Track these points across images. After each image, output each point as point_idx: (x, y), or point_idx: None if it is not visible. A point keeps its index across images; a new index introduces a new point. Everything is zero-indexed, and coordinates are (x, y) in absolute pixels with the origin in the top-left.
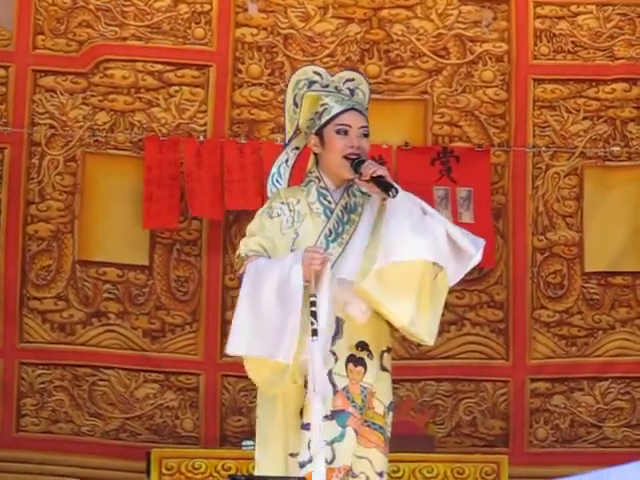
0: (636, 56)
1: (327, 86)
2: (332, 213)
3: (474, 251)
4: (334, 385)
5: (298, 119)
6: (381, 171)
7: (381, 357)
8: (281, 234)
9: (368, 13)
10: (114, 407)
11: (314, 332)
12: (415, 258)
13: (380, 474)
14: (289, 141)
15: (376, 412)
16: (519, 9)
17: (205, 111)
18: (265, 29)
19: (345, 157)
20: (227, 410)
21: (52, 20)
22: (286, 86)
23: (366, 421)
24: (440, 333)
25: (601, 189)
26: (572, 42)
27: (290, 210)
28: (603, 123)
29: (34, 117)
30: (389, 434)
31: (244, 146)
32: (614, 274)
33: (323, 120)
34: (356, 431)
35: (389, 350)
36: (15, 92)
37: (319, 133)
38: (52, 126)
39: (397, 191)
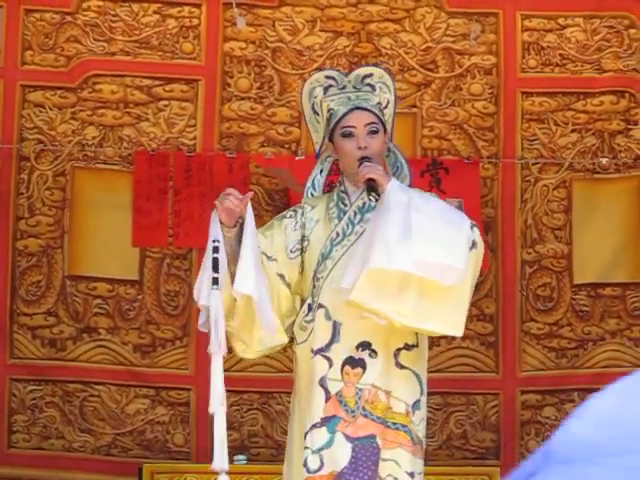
0: (623, 68)
1: (344, 87)
2: (345, 215)
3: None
4: (327, 391)
5: (323, 127)
6: (372, 174)
7: (396, 355)
8: (283, 233)
9: (356, 27)
10: (105, 423)
11: (215, 280)
12: (393, 268)
13: (411, 474)
14: (320, 151)
15: (395, 411)
16: (507, 22)
17: (194, 125)
18: (253, 43)
19: (358, 160)
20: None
21: (40, 35)
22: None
23: (385, 421)
24: (430, 346)
25: (590, 201)
26: (560, 55)
27: (302, 215)
28: (591, 136)
29: (23, 132)
30: (419, 433)
31: (233, 160)
32: (603, 285)
33: (331, 126)
34: (347, 436)
35: (409, 347)
36: (4, 107)
37: (331, 139)
38: (41, 141)
39: (377, 198)
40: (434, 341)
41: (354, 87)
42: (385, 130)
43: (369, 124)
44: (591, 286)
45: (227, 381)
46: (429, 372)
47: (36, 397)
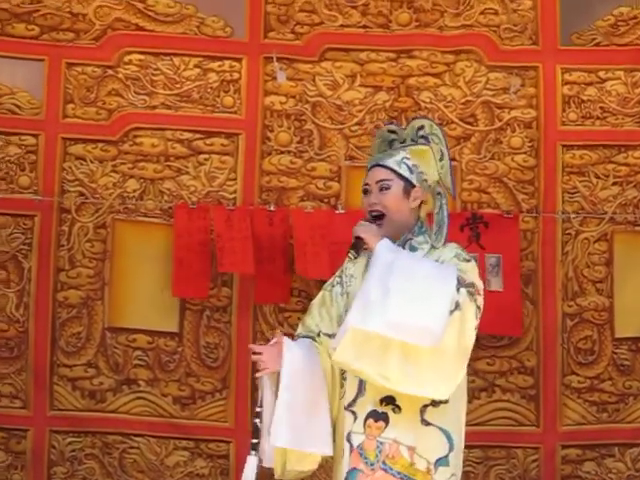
0: None
1: (404, 141)
2: None
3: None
4: (351, 445)
5: None
6: (361, 232)
7: (422, 412)
8: (336, 303)
9: (396, 81)
10: (144, 475)
11: (253, 446)
12: (368, 329)
13: None
14: None
15: (417, 468)
16: (547, 76)
17: (234, 179)
18: (293, 97)
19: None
20: (257, 477)
21: (82, 89)
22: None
23: (407, 477)
24: (470, 400)
25: (631, 254)
26: (600, 108)
27: (345, 275)
28: (633, 188)
29: (64, 184)
30: None
31: (273, 214)
32: None
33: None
34: None
35: (436, 403)
36: (45, 160)
37: None
38: (82, 193)
39: (355, 256)
40: (474, 394)
41: (412, 140)
42: (412, 185)
43: (380, 181)
44: (632, 340)
45: None
46: (468, 425)
47: (75, 449)
